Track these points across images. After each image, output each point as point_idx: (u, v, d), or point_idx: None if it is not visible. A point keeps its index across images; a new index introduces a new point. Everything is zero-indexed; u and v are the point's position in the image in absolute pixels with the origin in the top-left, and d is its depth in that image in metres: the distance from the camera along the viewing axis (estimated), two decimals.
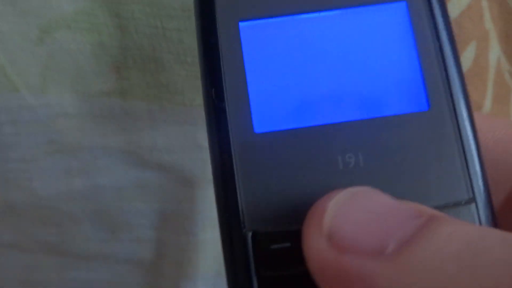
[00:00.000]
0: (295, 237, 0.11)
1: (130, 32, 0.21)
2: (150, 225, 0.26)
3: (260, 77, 0.13)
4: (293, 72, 0.13)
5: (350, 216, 0.11)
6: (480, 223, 0.12)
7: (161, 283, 0.28)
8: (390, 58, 0.13)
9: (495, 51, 0.21)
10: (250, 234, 0.12)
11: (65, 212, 0.25)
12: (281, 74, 0.13)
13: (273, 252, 0.12)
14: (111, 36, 0.21)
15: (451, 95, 0.13)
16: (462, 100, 0.13)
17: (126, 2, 0.21)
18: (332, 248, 0.11)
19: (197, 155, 0.24)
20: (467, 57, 0.21)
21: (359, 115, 0.13)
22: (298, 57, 0.13)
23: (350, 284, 0.10)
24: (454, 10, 0.20)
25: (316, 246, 0.11)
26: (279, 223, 0.12)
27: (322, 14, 0.13)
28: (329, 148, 0.12)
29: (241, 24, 0.13)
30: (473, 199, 0.12)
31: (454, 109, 0.13)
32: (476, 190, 0.12)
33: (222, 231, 0.13)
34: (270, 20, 0.13)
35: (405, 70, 0.13)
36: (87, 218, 0.26)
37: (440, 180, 0.12)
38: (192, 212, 0.25)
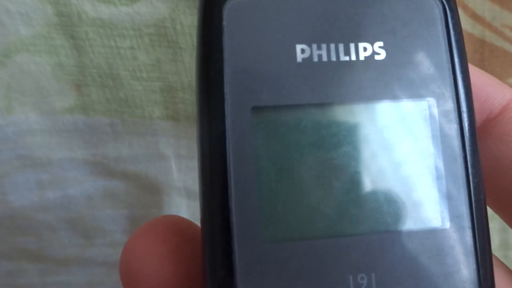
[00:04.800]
0: None
1: (87, 52, 0.22)
2: (122, 230, 0.27)
3: (269, 180, 0.11)
4: (303, 176, 0.11)
5: None
6: None
7: None
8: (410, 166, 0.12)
9: None
10: None
11: (40, 221, 0.27)
12: (291, 178, 0.11)
13: None
14: (68, 56, 0.22)
15: (472, 213, 0.12)
16: (482, 218, 0.12)
17: (80, 25, 0.21)
18: None
19: (160, 163, 0.25)
20: None
21: (374, 228, 0.11)
22: (309, 159, 0.11)
23: None
24: None
25: None
26: None
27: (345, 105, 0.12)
28: (339, 265, 0.11)
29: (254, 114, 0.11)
30: None
31: (474, 227, 0.12)
32: None
33: None
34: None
35: (425, 181, 0.12)
36: (62, 226, 0.27)
37: None
38: None
